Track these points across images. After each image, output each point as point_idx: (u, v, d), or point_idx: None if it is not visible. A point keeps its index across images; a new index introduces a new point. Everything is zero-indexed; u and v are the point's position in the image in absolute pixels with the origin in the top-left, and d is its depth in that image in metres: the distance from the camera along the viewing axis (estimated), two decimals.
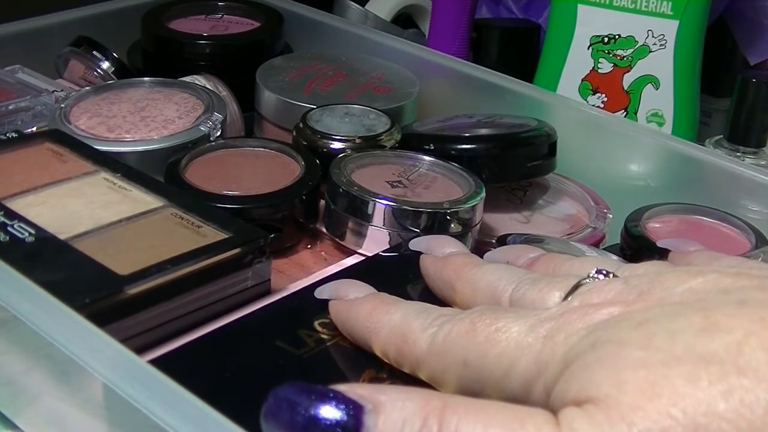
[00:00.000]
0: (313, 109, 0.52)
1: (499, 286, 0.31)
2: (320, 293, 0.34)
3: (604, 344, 0.24)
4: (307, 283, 0.39)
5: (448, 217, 0.44)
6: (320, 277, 0.39)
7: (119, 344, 0.32)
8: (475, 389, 0.28)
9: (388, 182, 0.47)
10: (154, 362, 0.31)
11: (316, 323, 0.34)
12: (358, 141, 0.50)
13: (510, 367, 0.26)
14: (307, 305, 0.35)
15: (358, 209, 0.45)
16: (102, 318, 0.35)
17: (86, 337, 0.32)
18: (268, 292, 0.41)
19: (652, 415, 0.22)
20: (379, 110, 0.53)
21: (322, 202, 0.48)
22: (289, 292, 0.40)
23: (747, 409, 0.22)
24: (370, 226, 0.45)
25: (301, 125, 0.51)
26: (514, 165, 0.51)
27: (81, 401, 0.34)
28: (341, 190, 0.45)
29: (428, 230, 0.44)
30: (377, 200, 0.44)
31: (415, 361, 0.29)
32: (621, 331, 0.24)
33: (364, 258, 0.44)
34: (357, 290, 0.33)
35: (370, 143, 0.50)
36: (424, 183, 0.47)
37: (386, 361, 0.31)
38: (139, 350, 0.35)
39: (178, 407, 0.29)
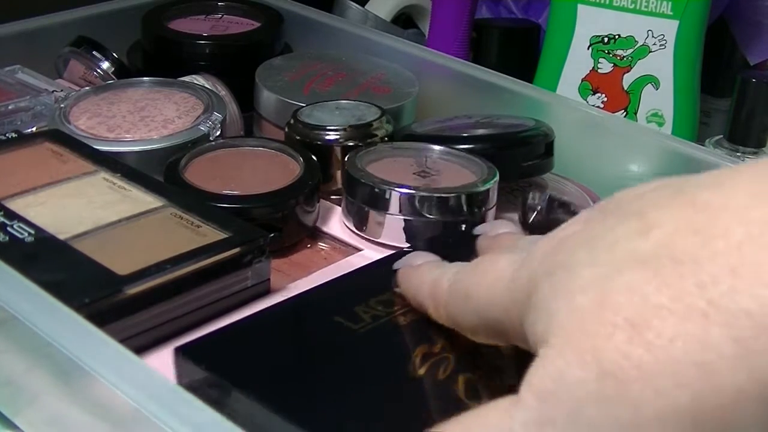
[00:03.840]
0: (303, 106, 0.53)
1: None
2: (396, 264, 0.36)
3: (556, 271, 0.24)
4: (361, 264, 0.42)
5: (464, 201, 0.45)
6: (359, 265, 0.42)
7: (119, 344, 0.32)
8: (476, 324, 0.29)
9: (410, 173, 0.47)
10: (211, 339, 0.33)
11: (372, 301, 0.35)
12: (350, 129, 0.50)
13: (494, 297, 0.27)
14: (363, 285, 0.37)
15: (378, 200, 0.45)
16: (102, 318, 0.35)
17: (86, 337, 0.32)
18: (267, 292, 0.41)
19: (602, 337, 0.22)
20: (369, 102, 0.53)
21: (322, 201, 0.48)
22: (342, 273, 0.41)
23: (687, 294, 0.21)
24: (387, 215, 0.45)
25: (292, 121, 0.51)
26: (511, 164, 0.51)
27: (81, 401, 0.34)
28: (362, 181, 0.46)
29: (447, 214, 0.45)
30: (396, 189, 0.45)
31: (443, 305, 0.31)
32: (572, 255, 0.24)
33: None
34: (423, 258, 0.35)
35: (362, 131, 0.50)
36: (439, 170, 0.48)
37: (432, 314, 0.32)
38: (139, 350, 0.35)
39: (178, 407, 0.29)
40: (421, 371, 0.31)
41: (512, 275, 0.27)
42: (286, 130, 0.51)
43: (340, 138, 0.50)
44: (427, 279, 0.32)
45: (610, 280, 0.23)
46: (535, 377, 0.23)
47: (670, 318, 0.21)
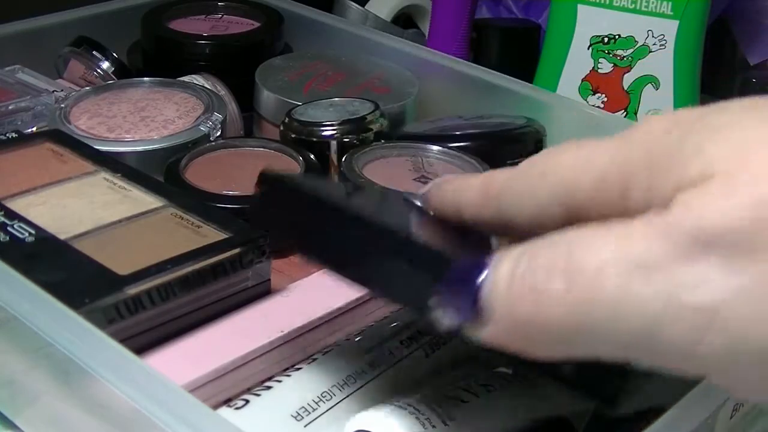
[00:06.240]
0: (297, 105, 0.53)
1: None
2: (421, 190, 0.34)
3: (719, 129, 0.24)
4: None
5: None
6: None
7: (119, 344, 0.32)
8: (543, 203, 0.28)
9: (409, 178, 0.47)
10: None
11: None
12: (344, 124, 0.50)
13: (588, 166, 0.29)
14: None
15: None
16: (102, 318, 0.35)
17: (86, 337, 0.32)
18: (268, 292, 0.41)
19: None
20: (362, 98, 0.53)
21: None
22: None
23: None
24: None
25: (286, 120, 0.51)
26: (498, 162, 0.51)
27: (81, 401, 0.34)
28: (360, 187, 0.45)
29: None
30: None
31: (495, 196, 0.30)
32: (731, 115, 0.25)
33: None
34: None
35: (357, 125, 0.50)
36: (438, 175, 0.48)
37: (472, 212, 0.31)
38: (139, 350, 0.35)
39: (178, 407, 0.29)
40: None
41: (620, 144, 0.27)
42: (281, 128, 0.51)
43: (335, 133, 0.50)
44: (476, 179, 0.31)
45: None
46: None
47: None
